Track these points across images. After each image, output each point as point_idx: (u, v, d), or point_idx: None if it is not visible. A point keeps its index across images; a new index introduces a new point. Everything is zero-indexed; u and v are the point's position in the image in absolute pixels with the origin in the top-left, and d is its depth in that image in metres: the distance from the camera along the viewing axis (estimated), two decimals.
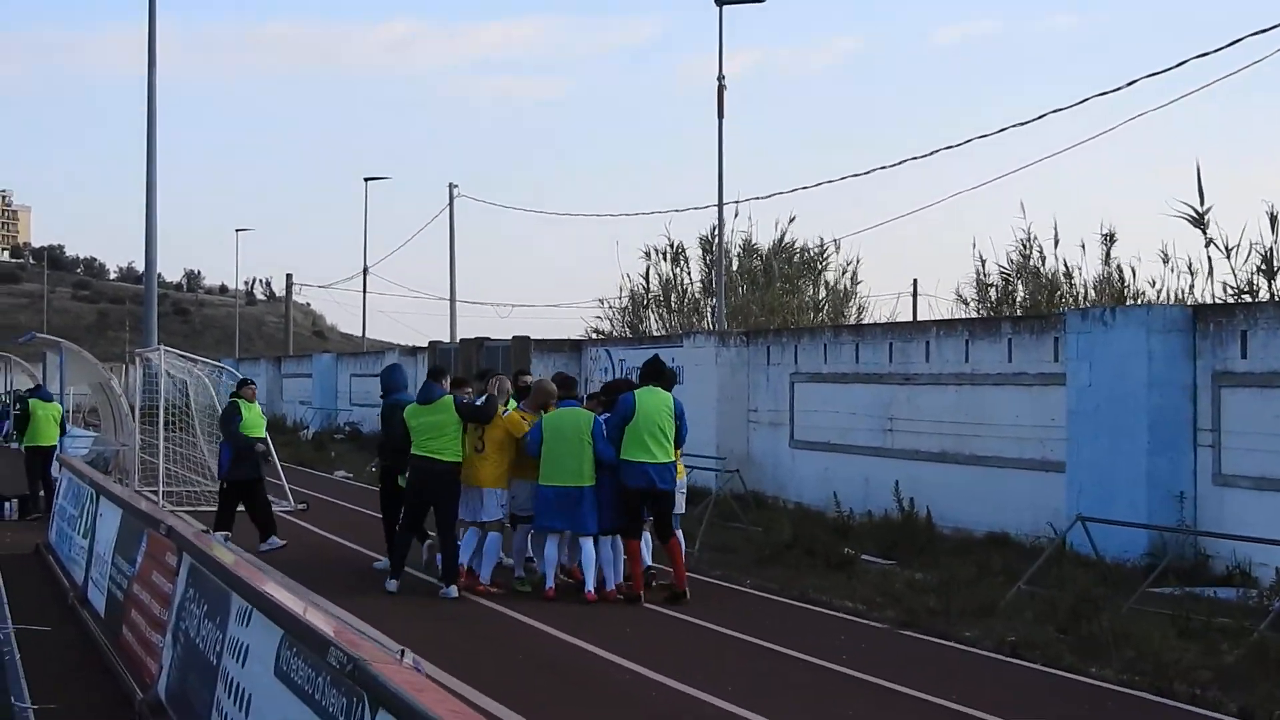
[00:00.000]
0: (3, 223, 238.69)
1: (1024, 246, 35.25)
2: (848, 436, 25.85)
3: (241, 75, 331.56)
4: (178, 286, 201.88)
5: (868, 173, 73.32)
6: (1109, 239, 33.93)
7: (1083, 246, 36.45)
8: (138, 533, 12.38)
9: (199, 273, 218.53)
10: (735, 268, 40.50)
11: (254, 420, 21.06)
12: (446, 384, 17.16)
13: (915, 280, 64.77)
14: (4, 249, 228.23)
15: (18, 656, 12.76)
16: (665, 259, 42.72)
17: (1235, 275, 22.67)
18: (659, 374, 17.00)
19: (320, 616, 6.89)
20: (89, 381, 27.82)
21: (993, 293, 35.99)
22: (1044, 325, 21.85)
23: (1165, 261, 33.18)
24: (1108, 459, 19.35)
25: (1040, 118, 27.03)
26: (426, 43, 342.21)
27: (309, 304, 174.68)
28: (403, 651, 5.74)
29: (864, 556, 19.80)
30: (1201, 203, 22.92)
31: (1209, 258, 23.32)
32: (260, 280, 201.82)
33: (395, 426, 17.44)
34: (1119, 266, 33.95)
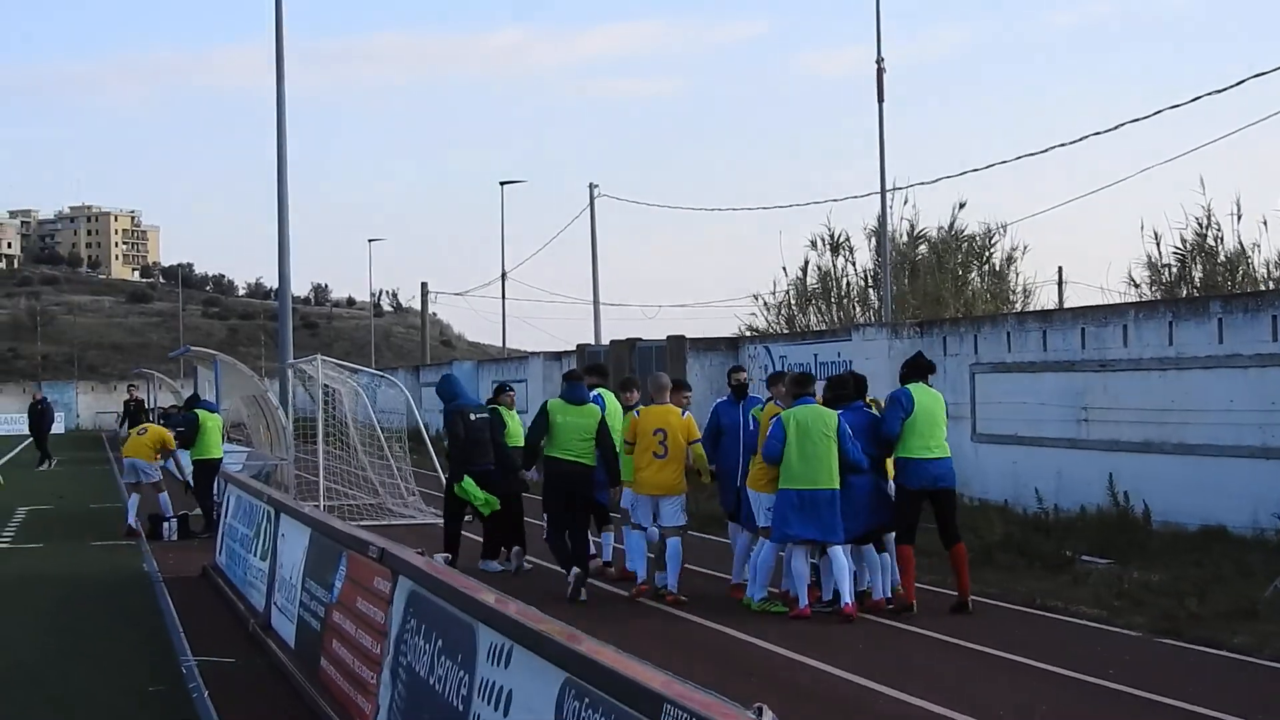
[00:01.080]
0: (132, 243, 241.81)
1: (1200, 225, 33.66)
2: (1037, 428, 24.39)
3: (356, 87, 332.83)
4: (305, 300, 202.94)
5: (1044, 151, 70.66)
6: None
7: (1264, 223, 34.84)
8: (334, 554, 11.31)
9: (326, 286, 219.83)
10: (901, 258, 39.06)
11: (516, 430, 19.48)
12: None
13: (1060, 268, 62.99)
14: (134, 269, 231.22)
15: (205, 693, 11.75)
16: (828, 249, 41.24)
17: None
18: (925, 368, 16.09)
19: (615, 657, 5.72)
20: (241, 395, 27.02)
21: (1166, 273, 34.39)
22: (1259, 303, 20.30)
23: None
24: None
25: (1239, 84, 25.46)
26: (538, 48, 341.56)
27: (434, 314, 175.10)
28: (760, 710, 4.53)
29: (1082, 557, 18.38)
30: None
31: None
32: (387, 292, 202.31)
33: (458, 432, 18.50)
34: None
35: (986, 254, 38.82)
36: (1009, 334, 25.34)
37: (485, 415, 19.13)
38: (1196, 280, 33.97)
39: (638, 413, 16.74)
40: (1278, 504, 19.22)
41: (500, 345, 71.58)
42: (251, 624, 14.37)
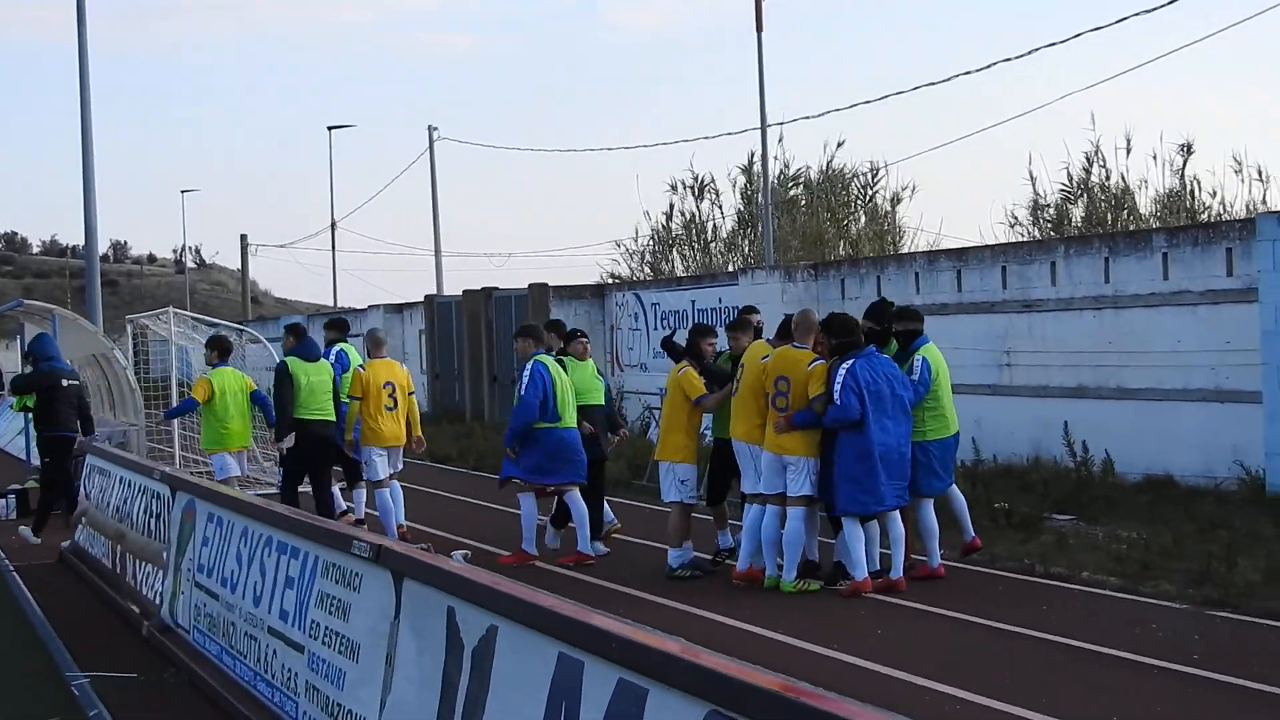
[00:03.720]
0: None
1: (1088, 161, 32.54)
2: (953, 374, 22.77)
3: (164, 38, 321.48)
4: (104, 257, 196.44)
5: (914, 89, 69.19)
6: (1186, 149, 31.34)
7: (1154, 157, 33.93)
8: (286, 547, 9.21)
9: (125, 242, 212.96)
10: (775, 199, 37.39)
11: (589, 385, 16.58)
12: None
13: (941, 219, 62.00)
14: None
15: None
16: (691, 193, 39.39)
17: None
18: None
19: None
20: (83, 355, 24.43)
21: (1048, 213, 33.26)
22: (1211, 235, 18.90)
23: (1237, 172, 30.81)
24: None
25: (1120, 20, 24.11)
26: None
27: (238, 269, 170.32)
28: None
29: (1052, 515, 16.84)
30: None
31: None
32: (190, 247, 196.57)
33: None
34: (1193, 179, 31.45)
35: (872, 194, 37.35)
36: (918, 274, 23.78)
37: (76, 384, 19.47)
38: (1077, 219, 32.93)
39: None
40: (1233, 450, 17.89)
41: (315, 300, 68.77)
42: (146, 627, 12.16)
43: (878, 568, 13.41)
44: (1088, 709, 9.22)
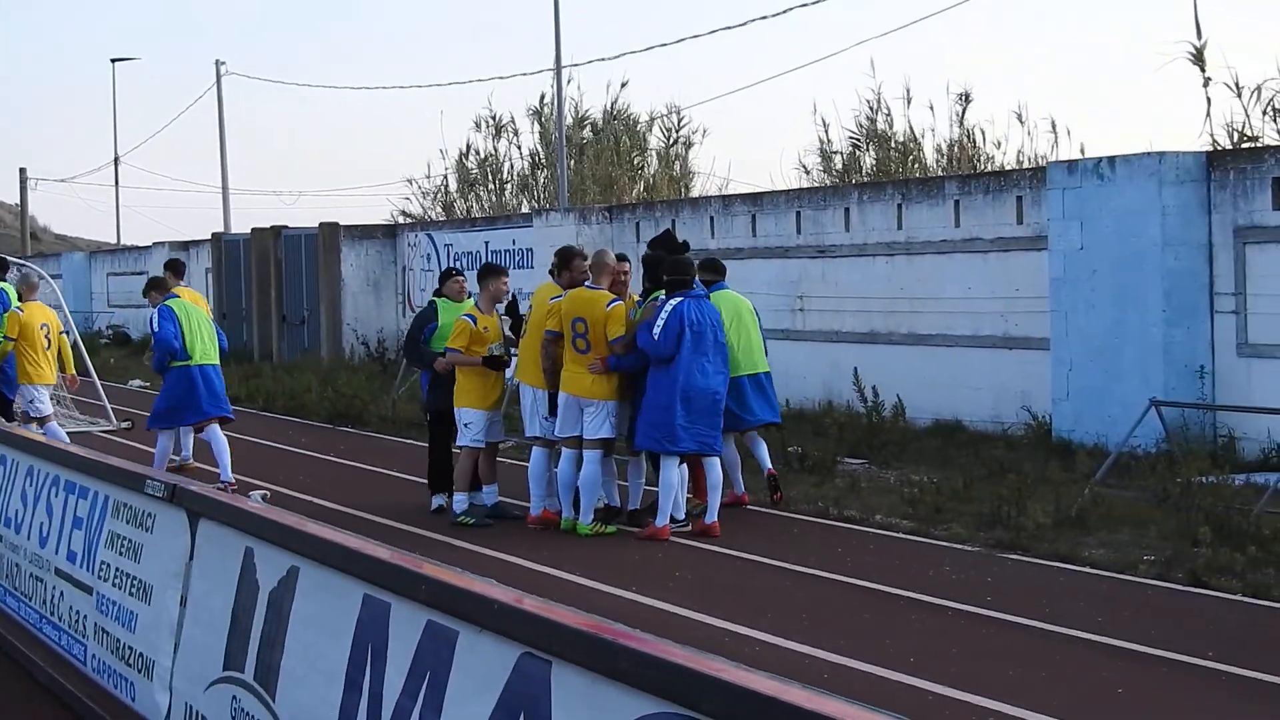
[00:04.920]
0: None
1: (871, 109, 32.90)
2: None
3: None
4: None
5: (710, 33, 68.53)
6: (964, 99, 31.89)
7: (931, 108, 34.49)
8: (75, 487, 8.91)
9: None
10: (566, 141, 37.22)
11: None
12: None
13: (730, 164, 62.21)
14: None
15: None
16: (492, 131, 39.03)
17: (1249, 117, 20.06)
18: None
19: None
20: None
21: (838, 160, 33.58)
22: (1002, 183, 19.23)
23: (1021, 122, 31.41)
24: (1111, 332, 16.81)
25: None
26: None
27: (15, 204, 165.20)
28: None
29: (844, 459, 17.04)
30: (1199, 37, 20.22)
31: (1209, 99, 20.34)
32: None
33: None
34: (974, 129, 32.01)
35: (676, 138, 37.33)
36: (713, 218, 23.87)
37: None
38: (868, 167, 33.29)
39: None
40: (1020, 395, 18.28)
41: (96, 237, 66.97)
42: None
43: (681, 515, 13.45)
44: (885, 649, 9.33)
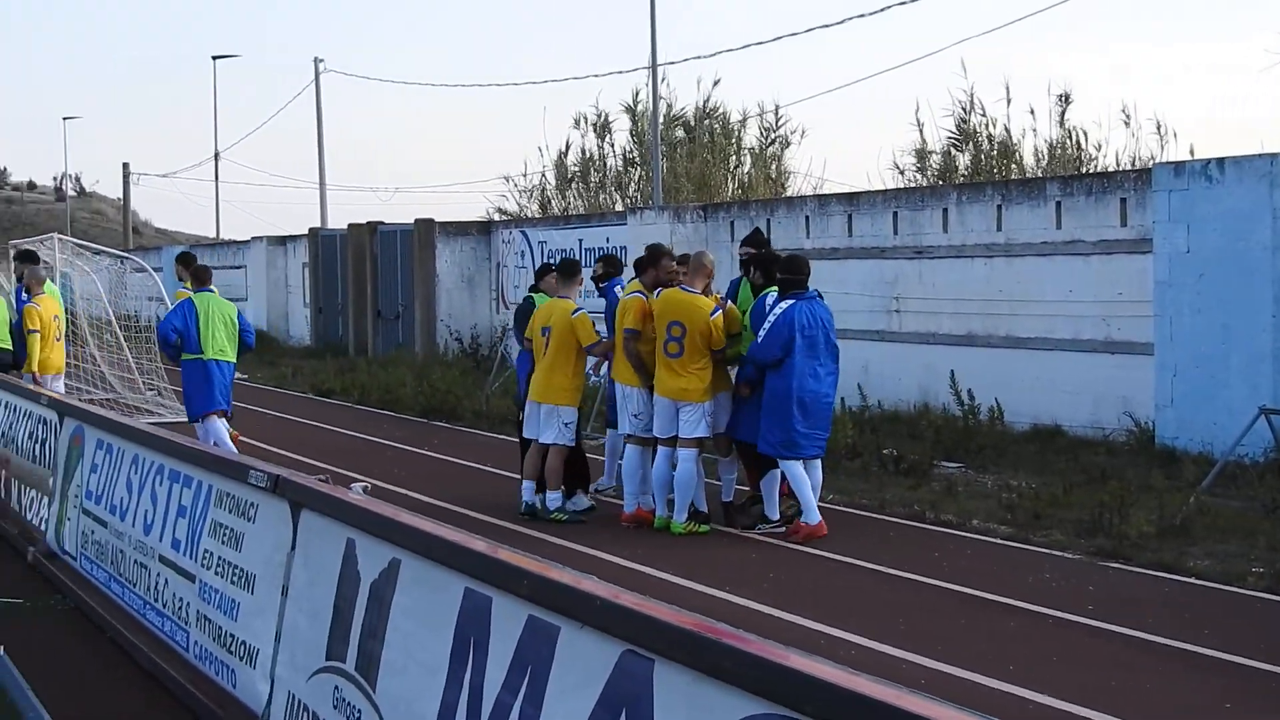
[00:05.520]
0: None
1: (964, 110, 32.64)
2: (841, 320, 22.82)
3: None
4: None
5: (806, 31, 68.24)
6: (1065, 99, 31.55)
7: (1032, 111, 34.11)
8: (179, 476, 9.00)
9: (4, 169, 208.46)
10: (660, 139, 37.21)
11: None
12: None
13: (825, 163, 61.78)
14: None
15: (0, 649, 9.34)
16: (594, 129, 39.06)
17: None
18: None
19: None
20: None
21: (934, 160, 33.33)
22: (1106, 184, 19.01)
23: (1126, 123, 31.05)
24: (1218, 337, 16.59)
25: None
26: None
27: (119, 199, 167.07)
28: None
29: (941, 462, 16.93)
30: None
31: None
32: (71, 175, 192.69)
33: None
34: (1076, 130, 31.64)
35: (772, 138, 37.21)
36: (808, 218, 23.76)
37: None
38: (962, 168, 33.05)
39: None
40: (1121, 401, 18.08)
41: (196, 231, 67.75)
42: (31, 553, 11.92)
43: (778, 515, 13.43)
44: (984, 656, 9.26)
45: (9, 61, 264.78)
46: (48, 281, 19.57)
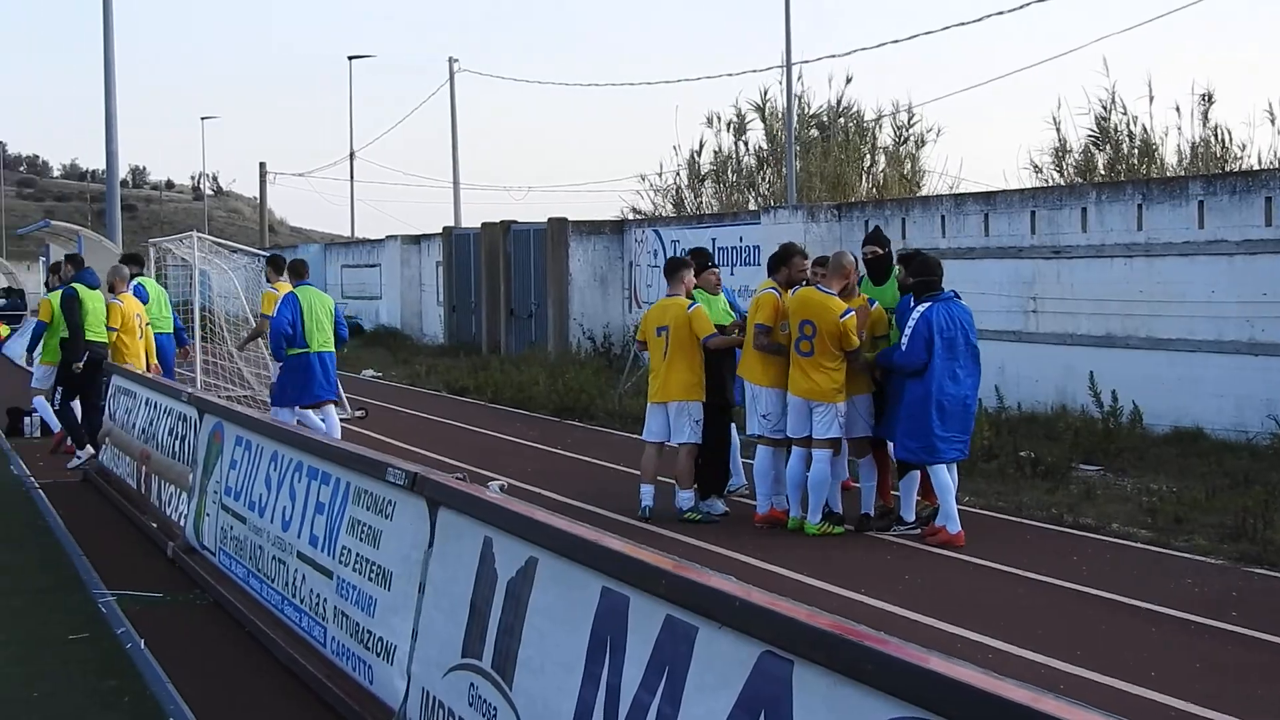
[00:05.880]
0: None
1: (1105, 108, 32.17)
2: (977, 320, 22.57)
3: None
4: (123, 182, 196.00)
5: (943, 29, 67.59)
6: (1207, 98, 30.99)
7: (1176, 109, 33.55)
8: (317, 473, 9.09)
9: (144, 168, 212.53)
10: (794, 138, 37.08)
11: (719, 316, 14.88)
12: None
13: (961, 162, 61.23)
14: None
15: (141, 641, 9.51)
16: (728, 128, 39.04)
17: None
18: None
19: None
20: (107, 277, 24.28)
21: (1071, 159, 32.90)
22: (1250, 183, 18.64)
23: (1272, 121, 30.44)
24: None
25: None
26: None
27: (254, 197, 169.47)
28: None
29: (1079, 465, 16.70)
30: None
31: None
32: (207, 175, 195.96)
33: None
34: (1221, 128, 31.05)
35: (905, 136, 36.96)
36: (944, 217, 23.54)
37: None
38: (1101, 167, 32.60)
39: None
40: (1266, 404, 17.72)
41: (330, 230, 68.48)
42: (171, 547, 12.09)
43: (912, 518, 13.32)
44: (1125, 662, 9.09)
45: (149, 63, 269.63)
46: (147, 279, 20.31)
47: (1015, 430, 18.56)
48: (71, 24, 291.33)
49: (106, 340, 18.21)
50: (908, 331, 12.66)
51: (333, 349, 16.96)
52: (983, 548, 12.52)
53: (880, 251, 14.28)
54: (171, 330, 20.47)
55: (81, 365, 17.86)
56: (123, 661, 9.07)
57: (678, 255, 16.34)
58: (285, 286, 18.37)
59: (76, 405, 18.29)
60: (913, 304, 12.92)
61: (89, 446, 17.85)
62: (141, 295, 19.64)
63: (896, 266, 13.93)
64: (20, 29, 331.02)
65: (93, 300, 18.23)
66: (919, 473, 13.10)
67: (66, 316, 17.98)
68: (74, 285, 18.27)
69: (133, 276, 19.93)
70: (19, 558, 12.50)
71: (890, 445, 13.64)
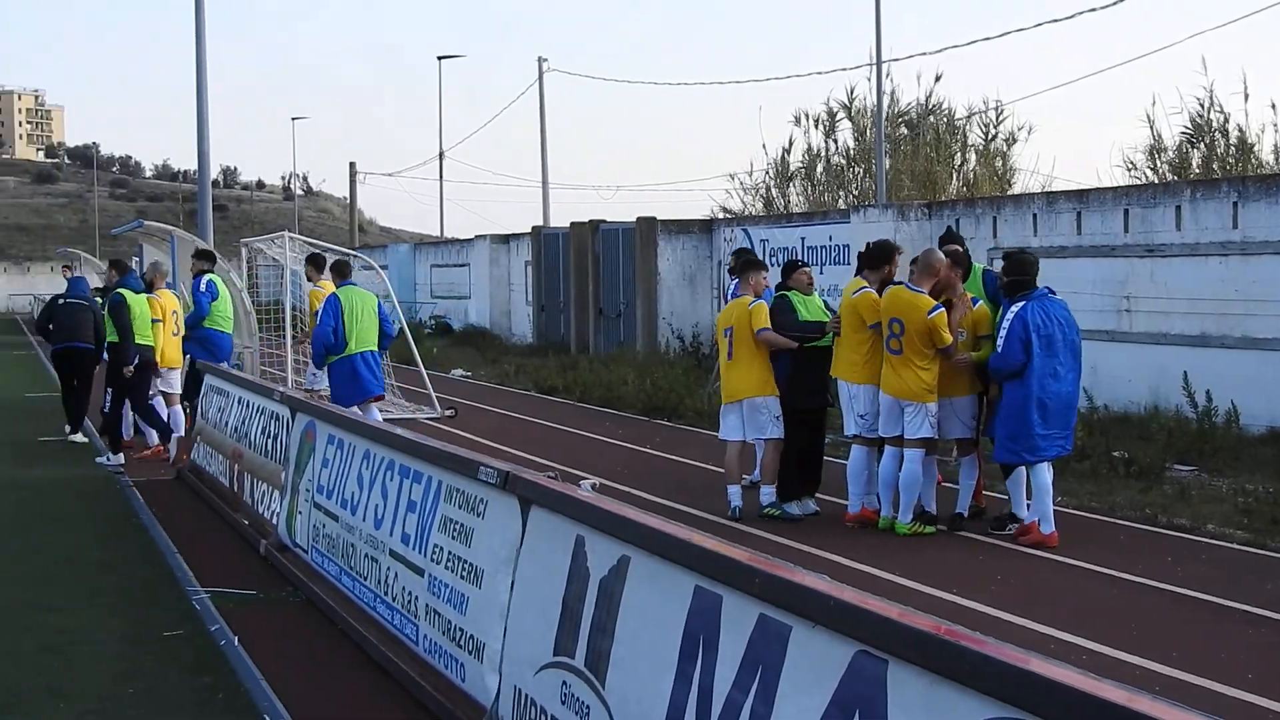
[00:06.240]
0: (37, 123, 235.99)
1: (1203, 106, 31.78)
2: None
3: None
4: (214, 183, 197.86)
5: (1035, 26, 67.34)
6: None
7: (1273, 106, 33.13)
8: (409, 471, 9.14)
9: (235, 168, 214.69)
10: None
11: (815, 312, 14.59)
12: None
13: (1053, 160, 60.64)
14: (39, 149, 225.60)
15: (235, 638, 9.60)
16: (817, 125, 38.93)
17: None
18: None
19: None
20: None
21: (1165, 156, 32.53)
22: None
23: None
24: None
25: None
26: None
27: (344, 197, 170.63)
28: None
29: (1172, 465, 16.52)
30: None
31: None
32: (298, 175, 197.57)
33: None
34: None
35: (994, 133, 36.72)
36: (1035, 215, 23.34)
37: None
38: (1196, 164, 32.22)
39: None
40: None
41: (419, 229, 68.85)
42: (264, 545, 12.20)
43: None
44: (1221, 664, 8.99)
45: (240, 64, 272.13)
46: (218, 276, 20.46)
47: (1108, 430, 18.39)
48: (163, 26, 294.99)
49: (153, 343, 18.54)
50: (1002, 333, 12.53)
51: (375, 348, 17.16)
52: (1076, 548, 12.40)
53: (960, 250, 14.18)
54: (232, 330, 20.49)
55: (132, 368, 18.12)
56: (217, 658, 9.15)
57: (748, 256, 16.20)
58: (328, 285, 18.72)
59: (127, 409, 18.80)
60: (1006, 305, 12.79)
61: (121, 454, 18.36)
62: (213, 291, 19.83)
63: (978, 265, 13.85)
64: (113, 31, 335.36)
65: (139, 304, 18.49)
66: (1025, 470, 12.93)
67: (115, 321, 18.20)
68: (120, 290, 18.51)
69: (202, 273, 20.18)
70: (115, 555, 12.65)
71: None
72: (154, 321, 18.62)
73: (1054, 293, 13.07)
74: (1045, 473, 12.58)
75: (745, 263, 14.88)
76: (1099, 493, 14.95)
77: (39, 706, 8.17)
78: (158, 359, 18.63)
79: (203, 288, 19.75)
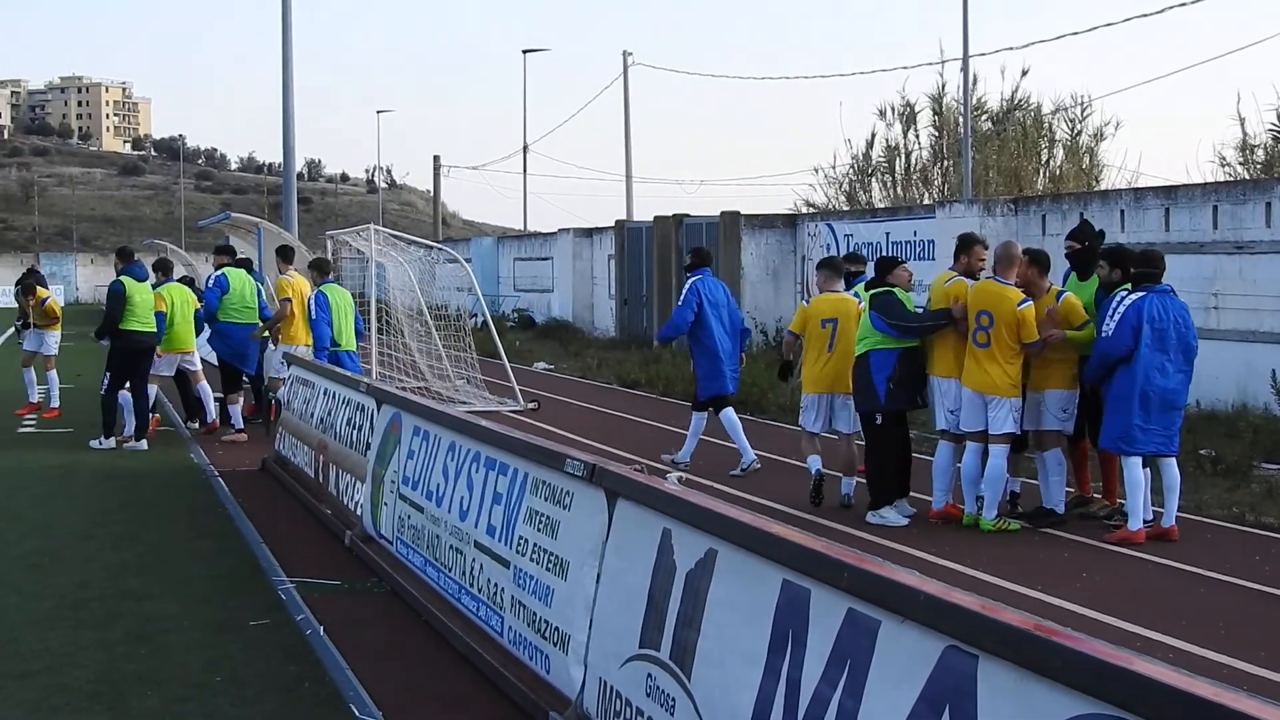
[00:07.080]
0: (124, 115, 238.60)
1: None
2: None
3: None
4: (299, 175, 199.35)
5: (1124, 21, 66.39)
6: None
7: None
8: (495, 463, 9.18)
9: (319, 161, 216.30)
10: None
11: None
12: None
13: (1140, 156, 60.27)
14: (126, 141, 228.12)
15: (320, 628, 9.68)
16: (898, 120, 38.80)
17: None
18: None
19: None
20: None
21: (1259, 153, 32.19)
22: None
23: None
24: None
25: None
26: None
27: (428, 190, 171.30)
28: None
29: (1261, 464, 16.35)
30: None
31: None
32: (381, 168, 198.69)
33: None
34: None
35: (1079, 129, 36.45)
36: (1123, 211, 23.14)
37: None
38: None
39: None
40: None
41: (502, 222, 69.03)
42: (349, 536, 12.29)
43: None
44: None
45: (325, 57, 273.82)
46: (234, 270, 20.83)
47: (1195, 428, 18.19)
48: (250, 19, 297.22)
49: (154, 330, 19.21)
50: (1115, 317, 12.41)
51: (354, 347, 18.25)
52: (1162, 546, 12.31)
53: (1077, 246, 14.03)
54: (257, 320, 20.46)
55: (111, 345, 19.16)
56: (303, 648, 9.23)
57: (838, 255, 16.24)
58: (299, 277, 19.59)
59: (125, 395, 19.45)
60: (1125, 295, 12.62)
61: (113, 439, 19.09)
62: (222, 285, 20.22)
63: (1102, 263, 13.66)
64: (200, 24, 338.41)
65: (141, 293, 19.02)
66: (1147, 470, 12.76)
67: (108, 306, 19.13)
68: (121, 279, 19.08)
69: (220, 267, 20.81)
70: (202, 545, 12.78)
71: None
72: (159, 314, 19.42)
73: (1174, 292, 12.91)
74: (1137, 468, 12.47)
75: (828, 260, 15.05)
76: (1186, 491, 14.75)
77: (128, 694, 8.27)
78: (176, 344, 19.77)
79: (212, 282, 20.36)
